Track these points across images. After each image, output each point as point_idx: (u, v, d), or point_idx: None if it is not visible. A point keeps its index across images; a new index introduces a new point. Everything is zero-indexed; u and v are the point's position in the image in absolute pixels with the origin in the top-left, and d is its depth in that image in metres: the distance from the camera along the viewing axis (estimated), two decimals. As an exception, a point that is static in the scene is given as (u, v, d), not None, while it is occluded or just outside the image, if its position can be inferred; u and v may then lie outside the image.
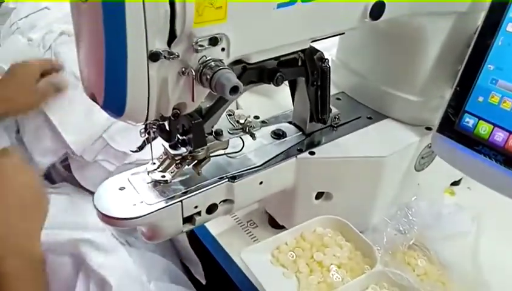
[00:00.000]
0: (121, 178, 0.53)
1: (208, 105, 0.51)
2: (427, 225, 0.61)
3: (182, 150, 0.51)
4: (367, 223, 0.64)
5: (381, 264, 0.54)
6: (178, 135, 0.51)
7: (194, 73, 0.41)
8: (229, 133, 0.54)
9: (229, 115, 0.55)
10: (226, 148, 0.55)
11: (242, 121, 0.55)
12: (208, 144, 0.52)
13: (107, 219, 0.49)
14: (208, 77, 0.41)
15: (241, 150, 0.57)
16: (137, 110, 0.42)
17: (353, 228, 0.57)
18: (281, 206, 0.65)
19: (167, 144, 0.51)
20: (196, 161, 0.53)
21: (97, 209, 0.49)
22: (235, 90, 0.41)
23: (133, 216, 0.48)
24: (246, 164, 0.56)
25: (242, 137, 0.56)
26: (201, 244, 0.67)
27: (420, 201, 0.63)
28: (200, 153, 0.52)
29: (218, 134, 0.53)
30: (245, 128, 0.54)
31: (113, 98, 0.41)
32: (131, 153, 0.65)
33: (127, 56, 0.38)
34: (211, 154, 0.54)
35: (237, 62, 0.48)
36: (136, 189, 0.51)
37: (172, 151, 0.51)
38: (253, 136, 0.55)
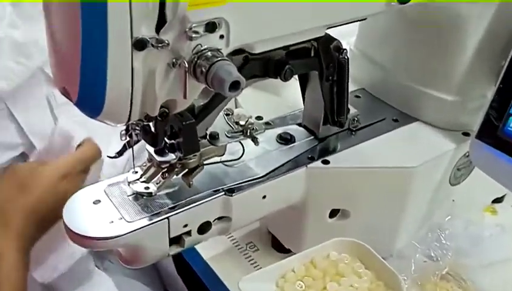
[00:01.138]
0: (95, 189, 0.53)
1: (202, 103, 0.51)
2: (463, 250, 0.61)
3: (170, 157, 0.52)
4: (392, 247, 0.65)
5: (408, 297, 0.54)
6: (166, 139, 0.51)
7: (187, 65, 0.42)
8: (227, 136, 0.54)
9: (227, 115, 0.56)
10: (223, 154, 0.56)
11: (242, 122, 0.55)
12: (201, 150, 0.52)
13: (79, 238, 0.49)
14: (204, 70, 0.41)
15: (240, 157, 0.58)
16: (118, 108, 0.42)
17: (374, 254, 0.58)
18: (288, 225, 0.65)
19: (152, 149, 0.52)
20: (186, 170, 0.53)
21: (66, 226, 0.50)
22: (235, 86, 0.41)
23: (110, 235, 0.49)
24: (246, 174, 0.57)
25: (242, 141, 0.57)
26: (190, 269, 0.67)
27: (455, 221, 0.64)
28: (191, 161, 0.52)
29: (213, 137, 0.54)
30: (246, 131, 0.55)
31: (89, 94, 0.41)
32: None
33: (108, 43, 0.38)
34: (204, 162, 0.54)
35: (237, 51, 0.48)
36: (114, 203, 0.52)
37: (158, 158, 0.52)
38: (255, 140, 0.55)
